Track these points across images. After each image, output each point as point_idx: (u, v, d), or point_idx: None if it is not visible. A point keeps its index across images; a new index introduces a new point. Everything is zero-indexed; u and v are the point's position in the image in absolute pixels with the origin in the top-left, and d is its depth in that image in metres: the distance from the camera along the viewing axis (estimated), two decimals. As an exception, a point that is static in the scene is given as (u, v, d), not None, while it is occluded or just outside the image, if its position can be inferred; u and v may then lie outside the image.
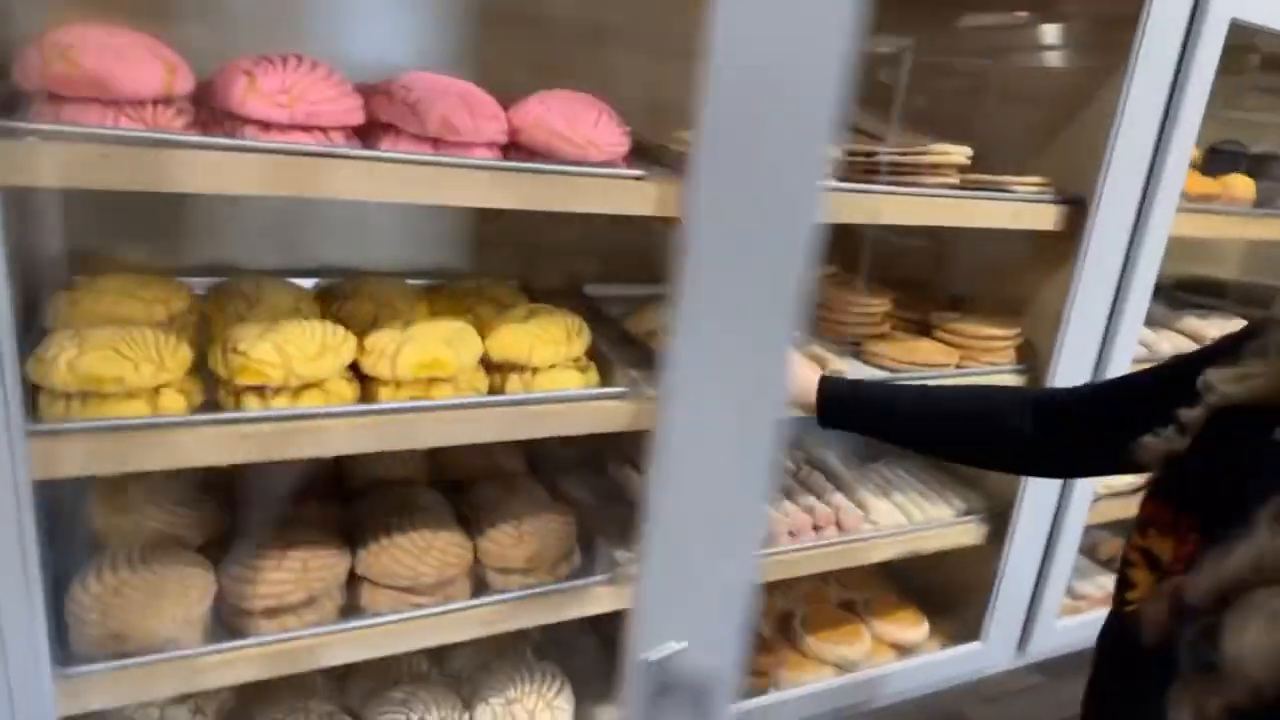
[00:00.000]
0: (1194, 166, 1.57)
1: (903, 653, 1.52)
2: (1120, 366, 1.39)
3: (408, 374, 0.94)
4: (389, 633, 1.01)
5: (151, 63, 0.78)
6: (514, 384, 1.03)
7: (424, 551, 1.04)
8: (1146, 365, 0.98)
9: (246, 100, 0.81)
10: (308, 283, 1.20)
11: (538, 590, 1.09)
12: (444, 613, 1.03)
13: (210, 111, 0.85)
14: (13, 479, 0.74)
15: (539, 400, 1.01)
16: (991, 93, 1.54)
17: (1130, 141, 1.26)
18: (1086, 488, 1.47)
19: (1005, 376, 1.38)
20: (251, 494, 1.21)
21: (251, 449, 0.87)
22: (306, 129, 0.83)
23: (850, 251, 1.80)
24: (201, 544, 1.05)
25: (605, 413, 1.05)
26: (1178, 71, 1.26)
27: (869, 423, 1.09)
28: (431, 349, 0.95)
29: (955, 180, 1.21)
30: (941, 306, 1.53)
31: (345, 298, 1.17)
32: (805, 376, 1.09)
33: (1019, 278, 1.48)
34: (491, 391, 1.03)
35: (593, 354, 1.10)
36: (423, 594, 1.04)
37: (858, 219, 1.13)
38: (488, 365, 1.04)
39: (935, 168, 1.17)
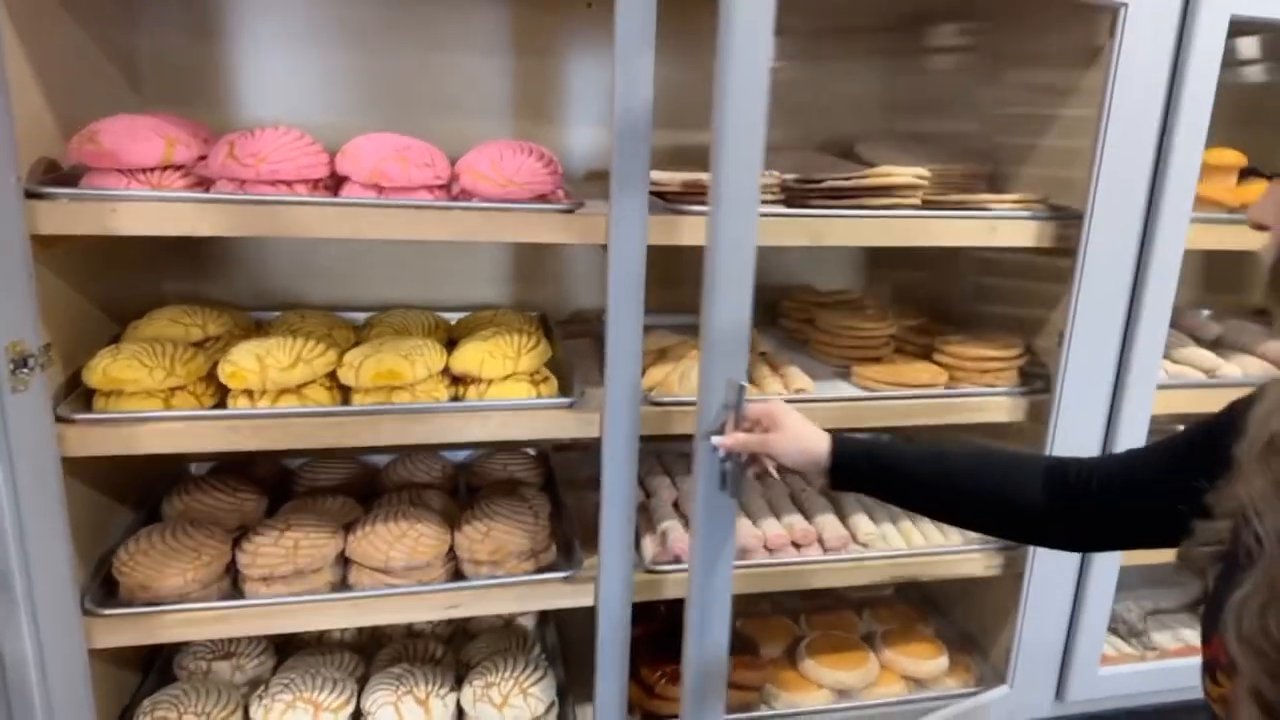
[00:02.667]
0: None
1: (916, 685, 1.47)
2: (1139, 392, 1.30)
3: (368, 382, 1.12)
4: (357, 606, 1.18)
5: (154, 140, 1.02)
6: (471, 394, 1.18)
7: (397, 539, 1.20)
8: (1177, 428, 0.89)
9: (226, 163, 1.03)
10: (362, 316, 1.43)
11: (493, 581, 1.22)
12: (405, 593, 1.19)
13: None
14: (52, 455, 0.99)
15: (470, 408, 1.15)
16: (988, 109, 1.51)
17: (1123, 147, 1.21)
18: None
19: (1003, 400, 1.33)
20: (293, 488, 1.45)
21: (236, 440, 1.08)
22: (271, 183, 1.04)
23: (874, 276, 1.80)
24: (238, 525, 1.28)
25: (550, 420, 1.17)
26: (1174, 70, 1.20)
27: (879, 487, 1.01)
28: (389, 362, 1.12)
29: (915, 201, 1.22)
30: (955, 329, 1.50)
31: (372, 326, 1.39)
32: (815, 437, 1.00)
33: (1026, 298, 1.43)
34: (454, 400, 1.19)
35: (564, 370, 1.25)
36: (396, 576, 1.20)
37: (802, 241, 1.18)
38: (455, 378, 1.20)
39: (883, 190, 1.19)
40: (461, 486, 1.53)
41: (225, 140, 1.05)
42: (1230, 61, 1.75)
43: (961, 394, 1.33)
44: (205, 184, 1.08)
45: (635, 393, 1.16)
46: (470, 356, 1.17)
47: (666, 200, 1.17)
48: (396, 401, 1.13)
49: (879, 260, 1.81)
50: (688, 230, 1.14)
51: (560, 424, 1.17)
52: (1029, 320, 1.42)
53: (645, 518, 1.40)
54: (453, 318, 1.46)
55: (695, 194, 1.17)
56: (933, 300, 1.66)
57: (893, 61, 1.68)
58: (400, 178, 1.06)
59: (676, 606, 1.55)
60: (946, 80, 1.63)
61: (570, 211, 1.10)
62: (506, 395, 1.17)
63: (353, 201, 1.06)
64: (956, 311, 1.61)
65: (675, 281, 1.78)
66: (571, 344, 1.49)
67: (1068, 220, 1.26)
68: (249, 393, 1.11)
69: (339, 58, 1.44)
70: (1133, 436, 1.32)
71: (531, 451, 1.61)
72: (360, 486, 1.46)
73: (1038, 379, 1.37)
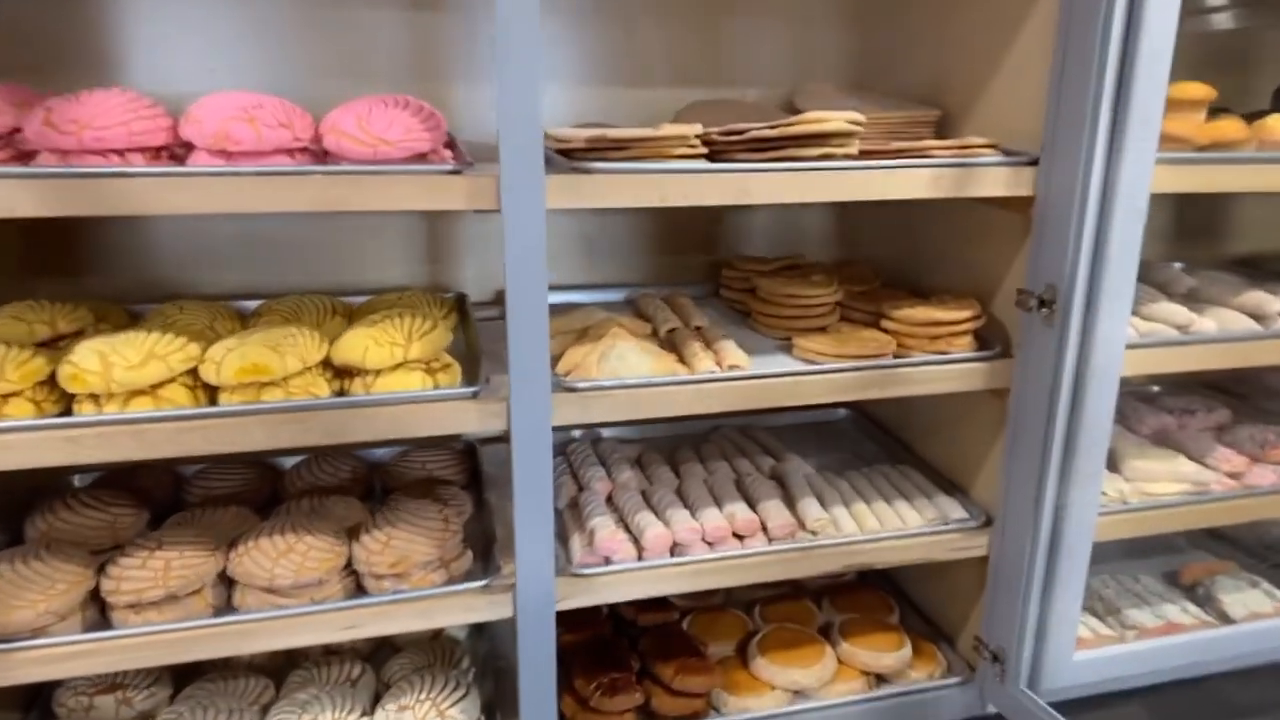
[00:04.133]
0: (1244, 115, 1.33)
1: (878, 680, 1.36)
2: (1107, 352, 1.18)
3: (231, 379, 0.98)
4: (241, 631, 1.04)
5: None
6: (357, 388, 1.04)
7: (282, 554, 1.07)
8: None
9: (42, 131, 0.89)
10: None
11: (395, 597, 1.09)
12: (294, 615, 1.05)
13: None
14: None
15: (352, 404, 1.02)
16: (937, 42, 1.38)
17: (1079, 80, 1.08)
18: (1086, 499, 1.25)
19: (956, 368, 1.21)
20: (185, 498, 1.31)
21: (77, 452, 0.94)
22: (100, 153, 0.90)
23: (822, 241, 1.68)
24: (112, 544, 1.14)
25: (450, 413, 1.03)
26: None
27: None
28: (253, 355, 0.98)
29: (851, 151, 1.09)
30: (908, 294, 1.38)
31: (261, 315, 1.25)
32: None
33: (981, 256, 1.31)
34: (339, 396, 1.05)
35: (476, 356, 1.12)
36: (285, 595, 1.07)
37: (726, 200, 1.05)
38: (339, 371, 1.06)
39: (814, 139, 1.06)
40: (377, 489, 1.40)
41: (42, 106, 0.91)
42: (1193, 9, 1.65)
43: (909, 363, 1.21)
44: (30, 157, 0.93)
45: (543, 378, 1.03)
46: (352, 346, 1.03)
47: (572, 159, 1.04)
48: (267, 400, 1.00)
49: (843, 225, 1.69)
50: (594, 191, 1.00)
51: (461, 417, 1.04)
52: (985, 280, 1.30)
53: (575, 514, 1.27)
54: (361, 302, 1.33)
55: (602, 150, 1.03)
56: (887, 264, 1.54)
57: (839, 6, 1.55)
58: (249, 140, 0.92)
59: (620, 609, 1.43)
60: (895, 20, 1.50)
61: (456, 173, 0.96)
62: (397, 387, 1.03)
63: (181, 171, 0.91)
64: (911, 275, 1.49)
65: (621, 252, 1.68)
66: (496, 326, 1.36)
67: (1020, 166, 1.14)
68: (94, 398, 0.96)
69: (227, 17, 1.29)
70: (1102, 399, 1.20)
71: (458, 445, 1.48)
72: (259, 494, 1.33)
73: (995, 343, 1.24)
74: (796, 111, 1.35)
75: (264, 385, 1.00)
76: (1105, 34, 1.04)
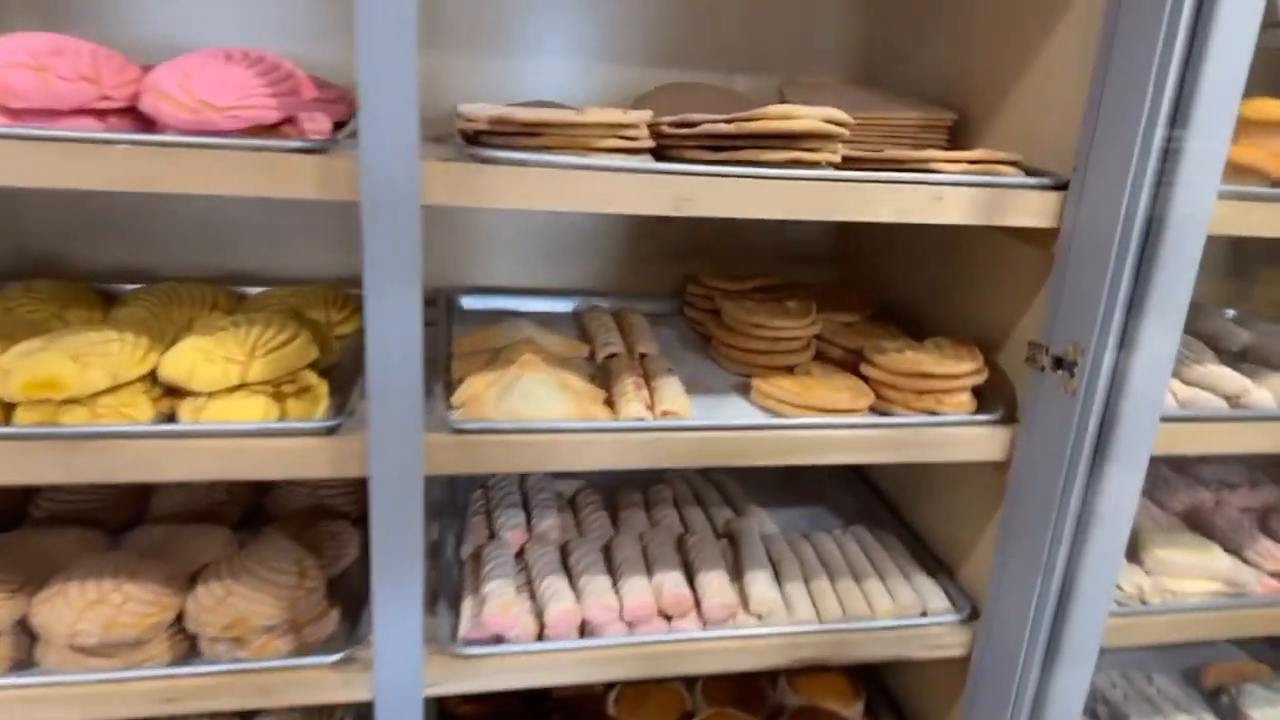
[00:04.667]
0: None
1: (828, 790, 1.15)
2: (1136, 427, 0.95)
3: (19, 394, 0.78)
4: (30, 698, 0.85)
5: None
6: (185, 413, 0.84)
7: (91, 605, 0.87)
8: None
9: None
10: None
11: (221, 668, 0.89)
12: (97, 682, 0.86)
13: None
14: None
15: (167, 435, 0.81)
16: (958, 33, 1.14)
17: (1128, 87, 0.84)
18: (1094, 594, 1.02)
19: (946, 432, 0.98)
20: (31, 514, 1.11)
21: None
22: None
23: (815, 255, 1.45)
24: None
25: (295, 453, 0.83)
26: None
27: None
28: (49, 365, 0.78)
29: (829, 156, 0.87)
30: (900, 331, 1.15)
31: (126, 304, 1.05)
32: None
33: (989, 293, 1.08)
34: (169, 419, 0.85)
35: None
36: (93, 655, 0.87)
37: (661, 209, 0.83)
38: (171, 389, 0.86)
39: (782, 139, 0.84)
40: (262, 513, 1.20)
41: None
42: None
43: (885, 424, 0.98)
44: None
45: (413, 415, 0.82)
46: (176, 361, 0.83)
47: (475, 144, 0.82)
48: (65, 422, 0.79)
49: (841, 240, 1.47)
50: (489, 186, 0.79)
51: (309, 459, 0.83)
52: (991, 323, 1.07)
53: (476, 568, 1.06)
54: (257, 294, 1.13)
55: (509, 135, 0.82)
56: (886, 289, 1.31)
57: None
58: (38, 96, 0.71)
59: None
60: (911, 2, 1.26)
61: (307, 152, 0.75)
62: (232, 416, 0.83)
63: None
64: (909, 306, 1.26)
65: (581, 252, 1.46)
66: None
67: (1044, 190, 0.91)
68: None
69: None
70: (1126, 483, 0.97)
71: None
72: (119, 513, 1.13)
73: (997, 403, 1.02)
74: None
75: (63, 403, 0.79)
76: (1168, 32, 0.80)
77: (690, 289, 1.28)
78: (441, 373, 1.01)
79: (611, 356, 1.09)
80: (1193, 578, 1.17)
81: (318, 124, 0.80)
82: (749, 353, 1.10)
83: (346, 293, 1.16)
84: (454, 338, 1.11)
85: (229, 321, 0.89)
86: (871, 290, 1.30)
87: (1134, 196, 0.85)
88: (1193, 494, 1.36)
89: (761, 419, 0.97)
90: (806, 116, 0.82)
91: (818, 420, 0.95)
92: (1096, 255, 0.88)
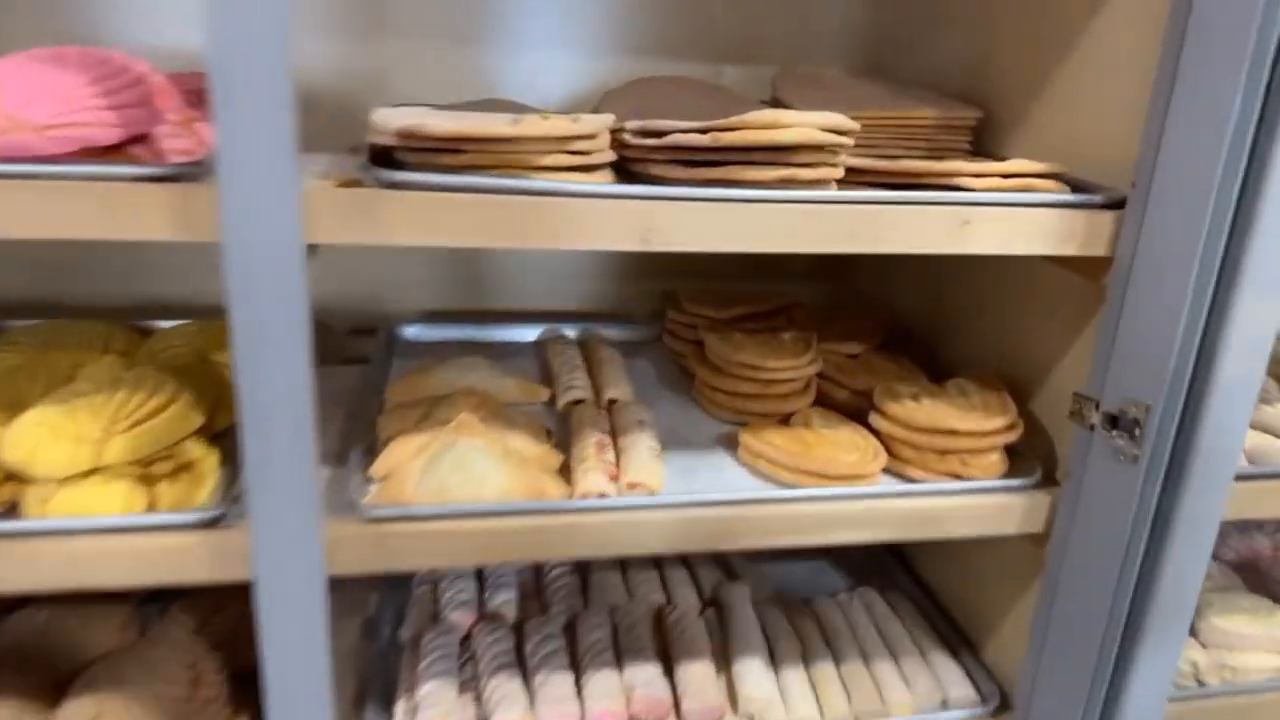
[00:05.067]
0: None
1: None
2: (1208, 496, 0.78)
3: None
4: None
5: None
6: (31, 502, 0.67)
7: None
8: None
9: None
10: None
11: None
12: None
13: None
14: None
15: None
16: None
17: (1203, 84, 0.67)
18: (1150, 683, 0.86)
19: (970, 502, 0.81)
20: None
21: None
22: None
23: (820, 270, 1.27)
24: None
25: (165, 554, 0.66)
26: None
27: None
28: None
29: (828, 173, 0.69)
30: (916, 367, 0.99)
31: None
32: None
33: (1024, 327, 0.91)
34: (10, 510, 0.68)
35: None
36: (-71, 796, 0.71)
37: (619, 244, 0.65)
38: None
39: (767, 153, 0.67)
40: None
41: None
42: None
43: (897, 493, 0.81)
44: None
45: (306, 503, 0.65)
46: (16, 441, 0.66)
47: (379, 161, 0.65)
48: None
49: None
50: (395, 221, 0.62)
51: (182, 562, 0.66)
52: (1025, 364, 0.90)
53: (412, 661, 0.89)
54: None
55: (423, 151, 0.65)
56: (902, 310, 1.14)
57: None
58: None
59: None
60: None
61: (154, 180, 0.58)
62: (85, 508, 0.66)
63: None
64: (930, 332, 1.09)
65: (550, 267, 1.28)
66: (337, 372, 0.99)
67: (1094, 210, 0.73)
68: None
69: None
70: (1191, 561, 0.80)
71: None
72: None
73: (1031, 462, 0.85)
74: (778, 103, 0.96)
75: None
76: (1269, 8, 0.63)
77: (670, 315, 1.11)
78: (366, 431, 0.84)
79: (577, 403, 0.92)
80: (1257, 651, 1.00)
81: (182, 143, 0.63)
82: (737, 396, 0.93)
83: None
84: (390, 382, 0.94)
85: (92, 381, 0.72)
86: (881, 313, 1.13)
87: (1217, 218, 0.68)
88: (1248, 541, 1.19)
89: (750, 489, 0.80)
90: (799, 125, 0.65)
91: (820, 491, 0.78)
92: (1166, 292, 0.70)
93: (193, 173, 0.59)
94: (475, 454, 0.74)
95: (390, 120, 0.65)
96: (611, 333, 1.15)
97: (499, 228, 0.63)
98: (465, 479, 0.72)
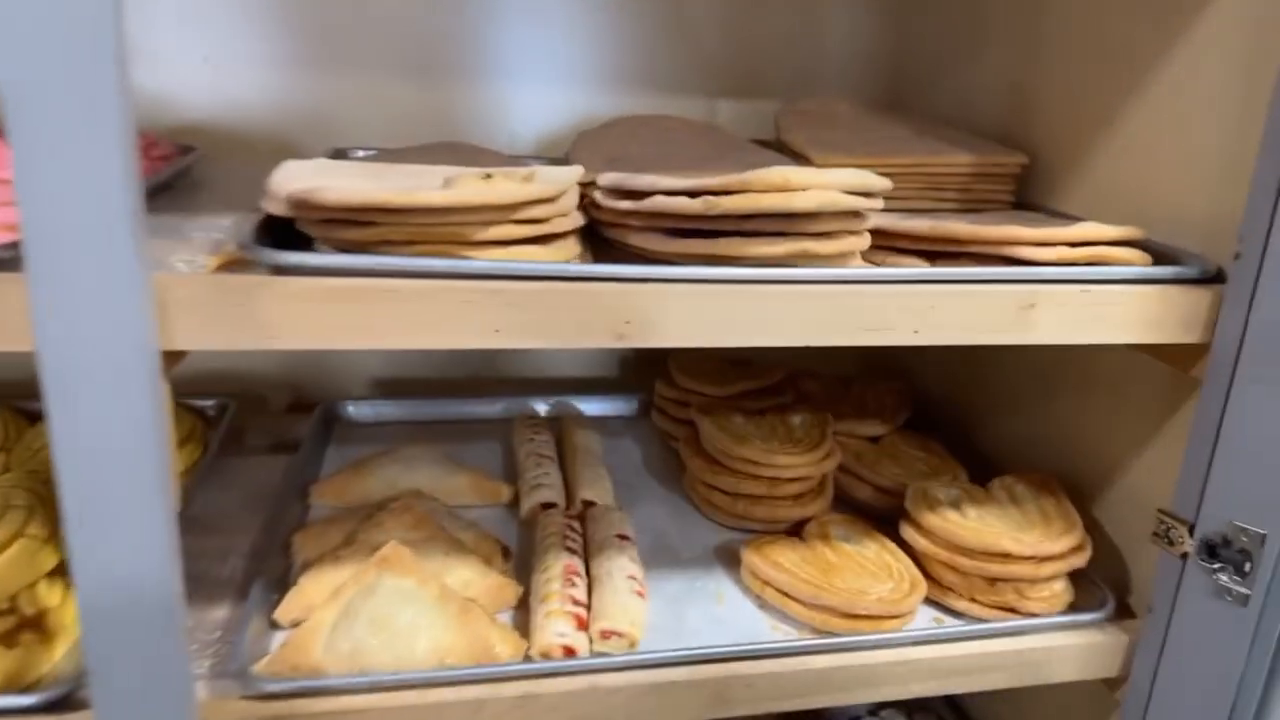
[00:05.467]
0: None
1: None
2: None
3: None
4: None
5: None
6: None
7: None
8: None
9: None
10: None
11: None
12: None
13: None
14: None
15: None
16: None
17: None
18: None
19: (1044, 642, 0.65)
20: None
21: None
22: None
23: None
24: None
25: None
26: None
27: None
28: None
29: (853, 243, 0.54)
30: (948, 454, 0.83)
31: None
32: None
33: (1091, 412, 0.75)
34: None
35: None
36: None
37: (588, 341, 0.50)
38: None
39: (774, 220, 0.51)
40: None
41: None
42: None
43: (946, 637, 0.65)
44: None
45: (174, 684, 0.49)
46: None
47: (269, 234, 0.50)
48: None
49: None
50: (288, 311, 0.46)
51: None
52: (1089, 458, 0.74)
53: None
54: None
55: (329, 223, 0.49)
56: (934, 384, 0.99)
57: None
58: None
59: None
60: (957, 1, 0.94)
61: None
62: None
63: None
64: (967, 413, 0.94)
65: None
66: (265, 464, 0.83)
67: (1186, 285, 0.58)
68: None
69: None
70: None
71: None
72: None
73: (1103, 594, 0.69)
74: (784, 146, 0.81)
75: None
76: None
77: (660, 389, 0.95)
78: (283, 552, 0.68)
79: (546, 507, 0.77)
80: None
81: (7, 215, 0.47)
82: (740, 498, 0.77)
83: (182, 403, 0.84)
84: (320, 480, 0.78)
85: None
86: (905, 385, 0.97)
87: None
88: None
89: (755, 637, 0.64)
90: (817, 186, 0.49)
91: (848, 639, 0.62)
92: (1271, 373, 0.55)
93: (12, 257, 0.44)
94: (402, 601, 0.57)
95: (285, 183, 0.50)
96: (593, 407, 1.00)
97: (421, 325, 0.47)
98: (389, 637, 0.56)
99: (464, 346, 0.49)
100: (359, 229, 0.48)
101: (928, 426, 0.91)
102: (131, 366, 0.43)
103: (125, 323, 0.43)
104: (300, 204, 0.47)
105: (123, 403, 0.43)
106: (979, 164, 0.76)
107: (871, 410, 0.91)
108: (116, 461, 0.44)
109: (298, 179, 0.50)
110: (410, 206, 0.46)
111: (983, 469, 0.80)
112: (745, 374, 0.92)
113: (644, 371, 1.04)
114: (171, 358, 0.46)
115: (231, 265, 0.48)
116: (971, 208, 0.76)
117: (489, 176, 0.51)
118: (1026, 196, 0.79)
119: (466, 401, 0.97)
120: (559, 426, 0.91)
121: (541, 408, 0.97)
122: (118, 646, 0.47)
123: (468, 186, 0.49)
